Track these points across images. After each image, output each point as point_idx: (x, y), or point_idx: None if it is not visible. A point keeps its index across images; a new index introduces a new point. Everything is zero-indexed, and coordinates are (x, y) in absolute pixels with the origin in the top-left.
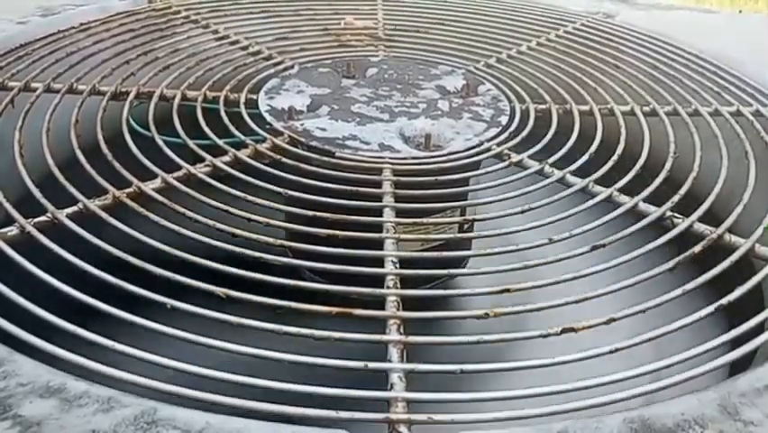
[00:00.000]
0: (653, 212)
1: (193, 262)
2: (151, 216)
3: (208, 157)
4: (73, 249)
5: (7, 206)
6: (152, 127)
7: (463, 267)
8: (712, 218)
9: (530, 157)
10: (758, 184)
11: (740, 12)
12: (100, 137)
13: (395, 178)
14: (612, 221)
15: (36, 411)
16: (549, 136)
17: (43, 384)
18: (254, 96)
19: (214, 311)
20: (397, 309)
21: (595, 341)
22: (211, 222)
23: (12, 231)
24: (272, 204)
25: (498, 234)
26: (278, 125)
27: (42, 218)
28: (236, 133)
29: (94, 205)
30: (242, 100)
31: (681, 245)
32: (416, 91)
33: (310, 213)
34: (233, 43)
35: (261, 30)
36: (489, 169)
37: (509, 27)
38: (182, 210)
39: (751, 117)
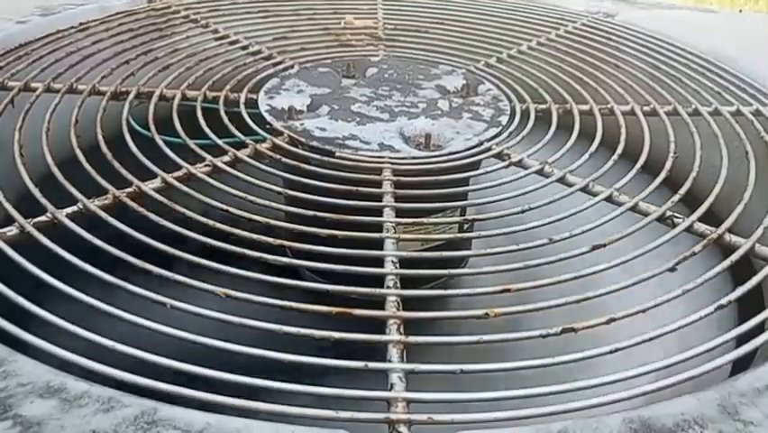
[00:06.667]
0: (654, 212)
1: (192, 260)
2: (150, 215)
3: (208, 157)
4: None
5: (7, 206)
6: (152, 127)
7: (463, 267)
8: (712, 218)
9: (530, 157)
10: (758, 184)
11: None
12: (100, 137)
13: (395, 177)
14: (612, 221)
15: (36, 411)
16: (549, 136)
17: (43, 384)
18: (254, 96)
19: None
20: (397, 309)
21: (595, 341)
22: (211, 222)
23: (12, 231)
24: (272, 203)
25: (499, 234)
26: (278, 125)
27: (42, 218)
28: (236, 132)
29: (94, 205)
30: (242, 100)
31: (681, 245)
32: (416, 91)
33: (310, 213)
34: (232, 43)
35: (261, 29)
36: (489, 168)
37: (509, 27)
38: (182, 210)
39: (751, 117)
